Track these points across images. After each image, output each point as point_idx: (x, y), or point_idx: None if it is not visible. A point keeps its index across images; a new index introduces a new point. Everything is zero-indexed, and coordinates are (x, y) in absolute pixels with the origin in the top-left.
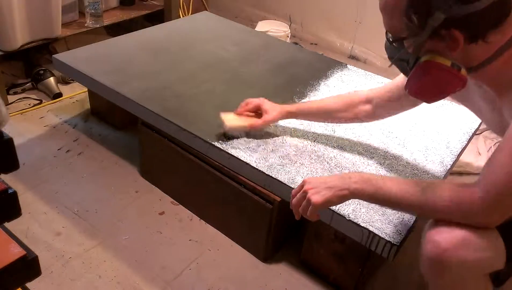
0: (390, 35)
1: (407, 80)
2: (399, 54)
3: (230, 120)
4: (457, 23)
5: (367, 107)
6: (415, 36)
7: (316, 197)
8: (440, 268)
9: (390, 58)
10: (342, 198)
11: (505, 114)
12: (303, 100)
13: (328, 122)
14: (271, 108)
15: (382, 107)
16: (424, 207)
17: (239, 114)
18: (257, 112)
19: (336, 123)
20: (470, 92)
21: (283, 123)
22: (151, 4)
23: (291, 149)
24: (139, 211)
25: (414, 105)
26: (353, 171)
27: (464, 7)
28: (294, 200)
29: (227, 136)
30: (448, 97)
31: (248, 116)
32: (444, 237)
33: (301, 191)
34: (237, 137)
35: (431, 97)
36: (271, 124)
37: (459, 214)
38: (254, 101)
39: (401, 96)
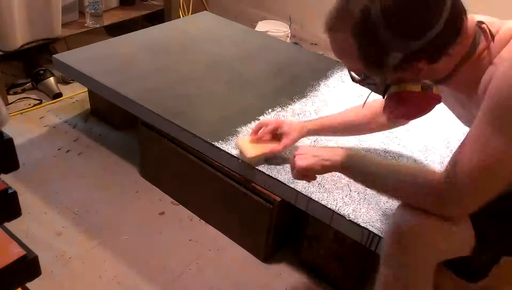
0: (352, 73)
1: (383, 108)
2: (365, 82)
3: (249, 149)
4: (416, 56)
5: None
6: (377, 74)
7: (301, 162)
8: (403, 245)
9: (356, 82)
10: (324, 168)
11: (474, 112)
12: (303, 98)
13: (351, 135)
14: (290, 129)
15: None
16: (391, 191)
17: (256, 140)
18: (274, 133)
19: (360, 135)
20: (445, 95)
21: None
22: (151, 4)
23: (291, 148)
24: (139, 211)
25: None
26: (349, 147)
27: (418, 41)
28: (290, 166)
29: (228, 131)
30: None
31: (265, 140)
32: (414, 216)
33: (292, 156)
34: (237, 132)
35: (411, 118)
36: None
37: (423, 202)
38: (270, 123)
39: None
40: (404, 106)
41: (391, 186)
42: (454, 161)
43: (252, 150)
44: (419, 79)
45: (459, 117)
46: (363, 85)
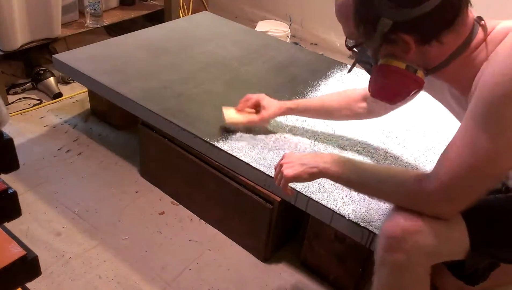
0: (348, 40)
1: (368, 82)
2: (360, 57)
3: (230, 115)
4: (404, 27)
5: (364, 104)
6: (369, 41)
7: (288, 171)
8: (395, 247)
9: (358, 62)
10: (312, 175)
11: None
12: (303, 98)
13: (327, 119)
14: (269, 104)
15: (375, 103)
16: (381, 195)
17: (240, 110)
18: (257, 108)
19: (334, 120)
20: (442, 91)
21: (283, 122)
22: (151, 4)
23: (291, 149)
24: (139, 211)
25: (405, 101)
26: (329, 152)
27: (409, 11)
28: (275, 173)
29: (228, 130)
30: (429, 95)
31: (248, 112)
32: (406, 217)
33: (279, 165)
34: (237, 132)
35: (390, 99)
36: (270, 120)
37: (412, 204)
38: (253, 97)
39: None
40: (384, 80)
41: (382, 190)
42: (443, 160)
43: (231, 116)
44: (409, 59)
45: (456, 116)
46: (356, 58)
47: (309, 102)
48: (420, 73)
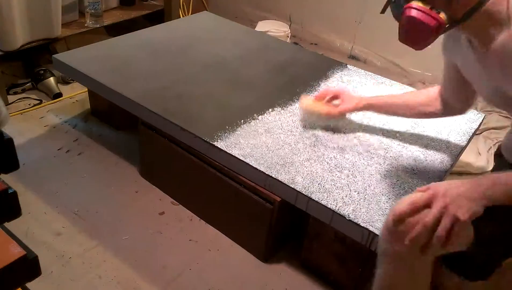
0: None
1: (398, 28)
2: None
3: (307, 102)
4: None
5: (440, 101)
6: None
7: (461, 213)
8: (396, 232)
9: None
10: (482, 208)
11: (486, 71)
12: None
13: (404, 116)
14: (349, 98)
15: (449, 99)
16: None
17: (318, 100)
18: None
19: (413, 117)
20: (467, 56)
21: (283, 122)
22: (151, 4)
23: (291, 149)
24: (139, 211)
25: (473, 95)
26: (480, 177)
27: None
28: (430, 220)
29: (228, 130)
30: (455, 72)
31: (325, 103)
32: (406, 203)
33: (438, 210)
34: (237, 132)
35: (416, 41)
36: (348, 114)
37: None
38: (333, 89)
39: (459, 85)
40: (409, 19)
41: None
42: None
43: (309, 103)
44: (437, 5)
45: (480, 85)
46: (390, 5)
47: (389, 97)
48: (442, 15)
